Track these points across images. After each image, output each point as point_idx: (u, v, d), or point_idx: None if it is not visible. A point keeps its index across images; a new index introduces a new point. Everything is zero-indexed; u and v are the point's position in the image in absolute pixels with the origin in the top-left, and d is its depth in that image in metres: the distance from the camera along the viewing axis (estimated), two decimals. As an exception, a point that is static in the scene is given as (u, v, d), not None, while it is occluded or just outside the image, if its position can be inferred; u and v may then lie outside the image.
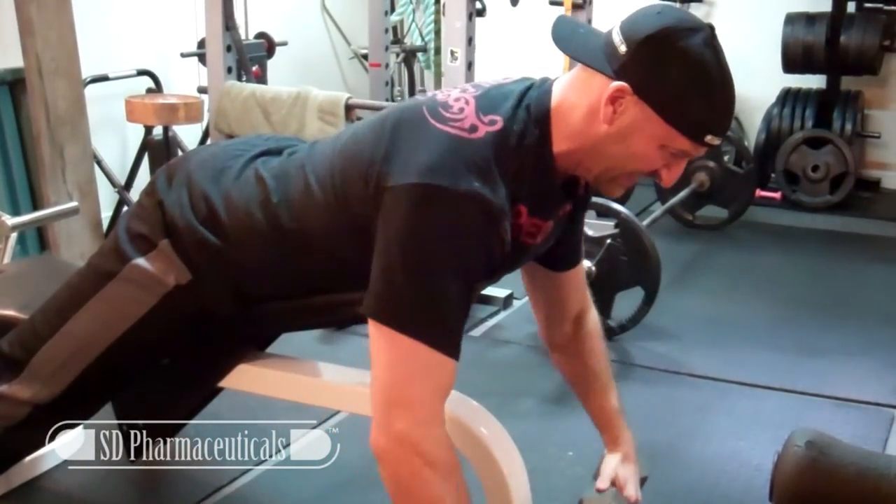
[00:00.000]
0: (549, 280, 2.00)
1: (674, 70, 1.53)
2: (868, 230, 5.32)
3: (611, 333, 3.59)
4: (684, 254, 4.77)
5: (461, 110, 1.60)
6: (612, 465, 2.02)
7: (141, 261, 1.81)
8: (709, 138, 1.56)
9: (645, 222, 3.81)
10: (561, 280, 2.00)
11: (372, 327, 1.54)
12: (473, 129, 1.57)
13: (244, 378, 2.02)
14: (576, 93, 1.61)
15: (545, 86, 1.66)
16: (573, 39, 1.66)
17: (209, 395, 2.23)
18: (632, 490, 1.99)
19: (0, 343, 1.95)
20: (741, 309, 4.05)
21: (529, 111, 1.61)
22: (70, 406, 1.93)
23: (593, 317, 2.09)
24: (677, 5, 5.72)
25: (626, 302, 3.57)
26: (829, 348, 3.60)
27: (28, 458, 2.31)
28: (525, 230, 1.68)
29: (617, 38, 1.55)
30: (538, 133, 1.61)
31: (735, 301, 4.15)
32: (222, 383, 2.04)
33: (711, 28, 1.55)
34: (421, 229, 1.51)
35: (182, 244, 1.79)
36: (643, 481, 2.06)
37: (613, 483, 1.99)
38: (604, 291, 3.51)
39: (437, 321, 1.53)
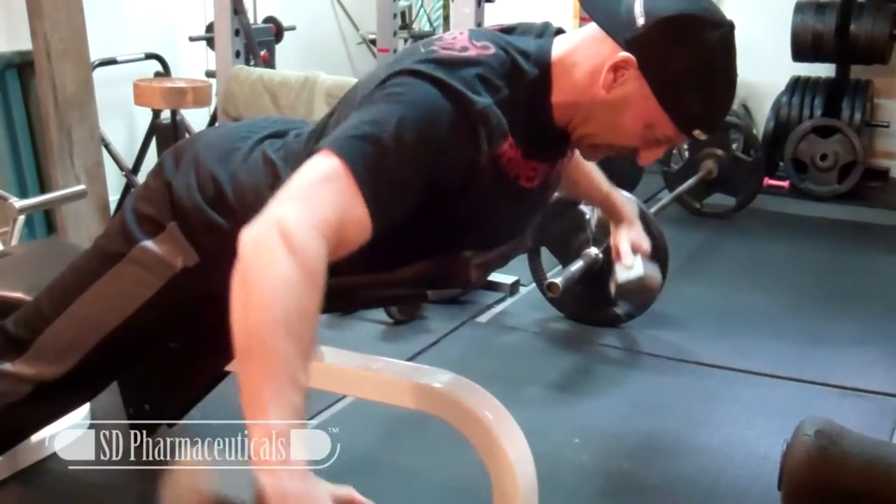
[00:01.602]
0: None
1: (682, 57, 1.52)
2: (876, 220, 5.31)
3: (617, 321, 3.59)
4: (692, 242, 4.76)
5: (454, 38, 1.59)
6: (625, 235, 2.14)
7: (148, 243, 1.80)
8: (696, 132, 1.56)
9: (652, 210, 3.81)
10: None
11: (311, 157, 1.40)
12: (464, 49, 1.56)
13: (250, 362, 2.01)
14: (584, 51, 1.59)
15: (549, 29, 1.66)
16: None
17: (216, 378, 2.23)
18: (646, 246, 2.15)
19: (6, 322, 1.94)
20: (748, 298, 4.04)
21: (529, 52, 1.60)
22: (73, 386, 1.92)
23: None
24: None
25: (634, 289, 3.56)
26: (837, 338, 3.60)
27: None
28: (523, 172, 1.63)
29: (638, 10, 1.54)
30: (537, 73, 1.59)
31: (742, 290, 4.15)
32: (229, 367, 2.04)
33: (732, 26, 1.54)
34: (398, 92, 1.47)
35: (190, 226, 1.79)
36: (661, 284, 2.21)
37: (634, 249, 2.12)
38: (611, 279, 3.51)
39: (374, 170, 1.39)
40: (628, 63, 1.52)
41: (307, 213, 1.30)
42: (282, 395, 1.24)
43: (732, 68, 1.55)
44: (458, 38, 1.59)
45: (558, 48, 1.61)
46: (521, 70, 1.58)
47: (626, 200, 2.18)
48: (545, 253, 3.64)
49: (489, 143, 1.53)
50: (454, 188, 1.54)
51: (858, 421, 2.72)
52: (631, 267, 2.08)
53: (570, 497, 2.43)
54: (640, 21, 1.52)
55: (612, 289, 2.15)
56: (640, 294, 2.07)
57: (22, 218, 2.92)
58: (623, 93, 1.54)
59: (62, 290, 1.90)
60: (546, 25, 1.68)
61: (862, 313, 3.85)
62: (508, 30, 1.70)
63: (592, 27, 1.61)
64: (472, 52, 1.55)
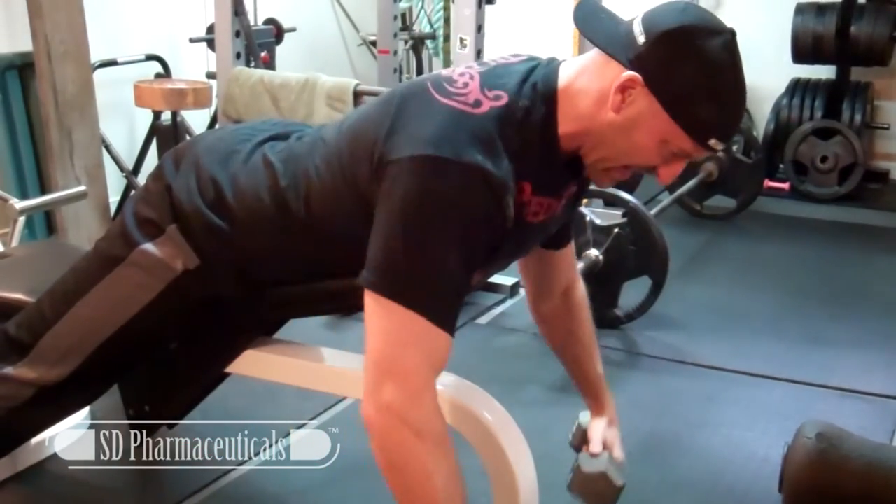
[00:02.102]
0: (540, 256, 2.02)
1: (688, 68, 1.51)
2: (876, 221, 5.30)
3: (618, 322, 3.59)
4: (692, 243, 4.76)
5: (465, 85, 1.59)
6: (601, 428, 2.04)
7: (149, 246, 1.81)
8: (712, 142, 1.56)
9: (653, 211, 3.80)
10: (551, 258, 2.02)
11: (368, 298, 1.52)
12: (477, 103, 1.56)
13: (251, 363, 2.02)
14: (588, 76, 1.60)
15: (552, 65, 1.65)
16: (594, 23, 1.65)
17: (216, 380, 2.23)
18: (619, 453, 2.02)
19: (7, 326, 1.95)
20: (748, 299, 4.04)
21: (536, 89, 1.60)
22: (75, 389, 1.93)
23: (580, 289, 2.11)
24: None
25: (634, 291, 3.57)
26: (837, 339, 3.60)
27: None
28: (529, 208, 1.66)
29: (637, 29, 1.54)
30: (544, 111, 1.60)
31: (742, 291, 4.15)
32: (229, 369, 2.04)
33: (733, 33, 1.53)
34: (422, 200, 1.49)
35: (190, 229, 1.79)
36: (620, 489, 2.03)
37: (605, 446, 2.02)
38: (611, 281, 3.51)
39: (434, 293, 1.50)
40: (635, 82, 1.52)
41: (411, 385, 1.49)
42: None
43: (739, 74, 1.55)
44: (470, 84, 1.60)
45: (562, 77, 1.62)
46: (531, 112, 1.59)
47: (611, 399, 2.11)
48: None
49: (513, 203, 1.57)
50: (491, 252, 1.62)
51: (858, 423, 2.72)
52: (597, 457, 1.98)
53: (570, 499, 2.43)
54: (641, 39, 1.53)
55: (570, 478, 2.06)
56: (595, 493, 1.98)
57: (22, 219, 2.92)
58: (633, 112, 1.54)
59: (63, 293, 1.90)
60: (551, 60, 1.68)
61: (862, 315, 3.85)
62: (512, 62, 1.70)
63: (593, 53, 1.62)
64: (484, 108, 1.56)
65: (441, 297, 1.51)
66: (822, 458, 2.22)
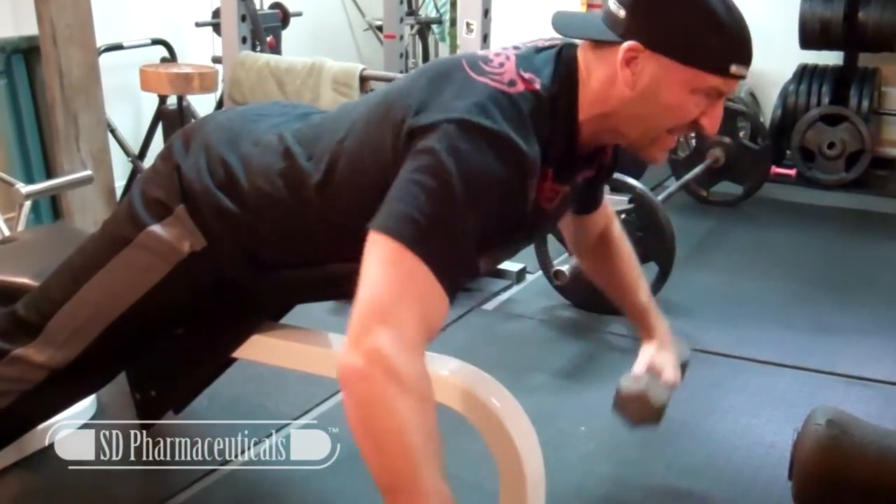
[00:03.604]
0: (575, 217, 2.11)
1: (674, 12, 1.55)
2: (883, 208, 5.29)
3: (624, 309, 3.58)
4: (699, 230, 4.76)
5: (501, 65, 1.60)
6: (649, 352, 2.10)
7: (156, 227, 1.80)
8: (734, 69, 1.56)
9: (660, 198, 3.79)
10: (585, 217, 2.12)
11: (376, 242, 1.43)
12: (512, 83, 1.56)
13: (258, 348, 2.01)
14: (593, 66, 1.63)
15: (571, 51, 1.66)
16: (575, 24, 1.70)
17: (223, 365, 2.23)
18: (670, 374, 2.05)
19: (16, 306, 1.95)
20: (755, 286, 4.03)
21: (562, 76, 1.62)
22: (84, 373, 1.92)
23: (616, 226, 2.19)
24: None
25: (640, 277, 3.56)
26: (843, 326, 3.59)
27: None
28: (546, 194, 1.67)
29: (614, 6, 1.59)
30: (568, 98, 1.62)
31: (749, 278, 4.14)
32: (236, 353, 2.04)
33: None
34: (453, 159, 1.45)
35: (198, 209, 1.79)
36: (684, 367, 2.14)
37: (651, 369, 2.06)
38: (618, 266, 3.50)
39: (449, 251, 1.44)
40: (635, 49, 1.55)
41: (400, 335, 1.36)
42: None
43: None
44: (506, 65, 1.60)
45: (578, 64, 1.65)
46: (557, 99, 1.60)
47: (663, 320, 2.17)
48: (552, 240, 3.64)
49: (534, 188, 1.58)
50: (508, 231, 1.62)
51: (865, 410, 2.72)
52: (638, 380, 2.02)
53: (577, 485, 2.43)
54: (622, 13, 1.57)
55: (613, 396, 2.07)
56: (637, 411, 1.97)
57: (28, 203, 2.92)
58: (647, 78, 1.57)
59: (71, 273, 1.90)
60: (570, 46, 1.70)
61: (869, 302, 3.84)
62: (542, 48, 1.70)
63: (585, 47, 1.65)
64: (519, 88, 1.57)
65: (453, 258, 1.45)
66: (832, 444, 2.21)
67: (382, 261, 1.41)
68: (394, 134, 1.58)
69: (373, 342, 1.34)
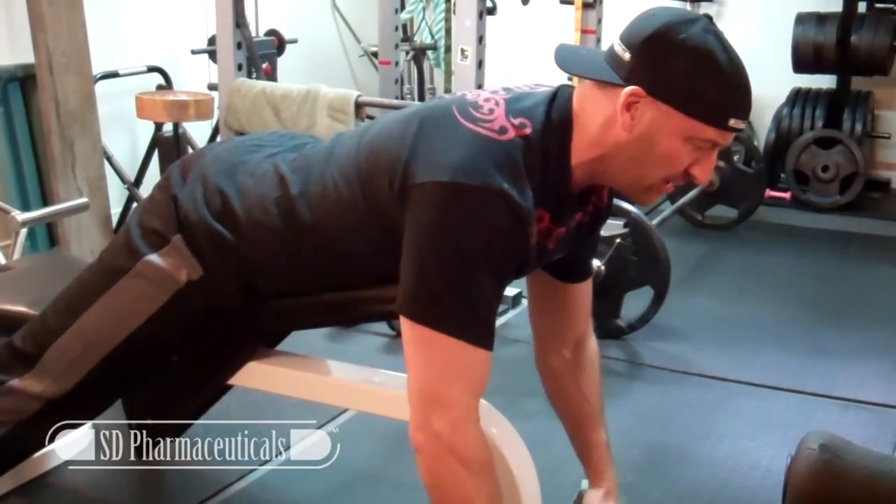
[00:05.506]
0: (556, 292, 1.96)
1: (680, 62, 1.53)
2: (878, 231, 5.30)
3: (620, 333, 3.59)
4: (694, 253, 4.76)
5: (491, 111, 1.60)
6: (596, 500, 1.98)
7: (153, 257, 1.81)
8: (732, 122, 1.55)
9: (654, 222, 3.81)
10: (568, 293, 1.97)
11: (407, 326, 1.55)
12: (503, 130, 1.57)
13: (253, 376, 2.02)
14: (591, 106, 1.61)
15: (566, 94, 1.65)
16: (577, 61, 1.69)
17: (218, 392, 2.23)
18: None
19: (13, 337, 1.95)
20: (750, 309, 4.04)
21: (554, 119, 1.62)
22: (80, 402, 1.93)
23: (593, 345, 2.06)
24: (687, 6, 5.73)
25: (636, 301, 3.57)
26: (839, 349, 3.59)
27: (33, 456, 2.30)
28: (546, 235, 1.69)
29: (619, 48, 1.57)
30: (561, 142, 1.61)
31: (744, 301, 4.15)
32: (232, 381, 2.04)
33: (708, 17, 1.56)
34: (454, 227, 1.51)
35: (195, 239, 1.79)
36: None
37: None
38: (613, 291, 3.51)
39: (473, 318, 1.54)
40: (637, 94, 1.54)
41: (456, 414, 1.55)
42: None
43: (730, 50, 1.55)
44: (495, 111, 1.61)
45: (574, 106, 1.64)
46: (550, 143, 1.61)
47: (614, 468, 2.02)
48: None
49: (534, 234, 1.60)
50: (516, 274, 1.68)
51: (861, 433, 2.72)
52: None
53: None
54: (627, 56, 1.55)
55: None
56: None
57: (24, 231, 2.92)
58: (646, 124, 1.55)
59: (68, 304, 1.91)
60: (564, 88, 1.69)
61: (864, 324, 3.85)
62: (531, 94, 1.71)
63: (586, 86, 1.63)
64: (510, 135, 1.58)
65: (479, 321, 1.55)
66: (825, 469, 2.21)
67: (416, 344, 1.55)
68: (388, 182, 1.60)
69: (431, 428, 1.54)
